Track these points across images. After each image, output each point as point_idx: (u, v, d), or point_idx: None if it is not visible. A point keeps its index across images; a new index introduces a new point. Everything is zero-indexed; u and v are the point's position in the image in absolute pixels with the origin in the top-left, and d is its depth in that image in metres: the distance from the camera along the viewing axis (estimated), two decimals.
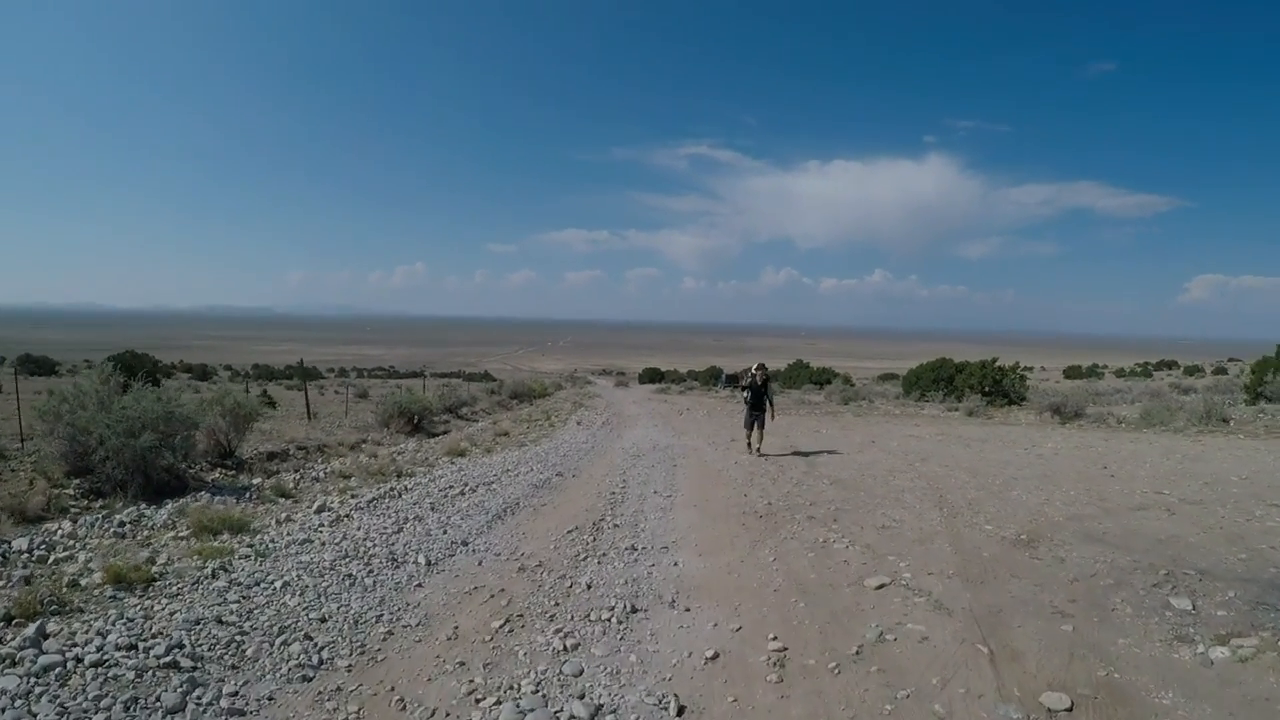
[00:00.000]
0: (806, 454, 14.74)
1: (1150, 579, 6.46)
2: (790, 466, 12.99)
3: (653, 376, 67.35)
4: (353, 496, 10.41)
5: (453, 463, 14.14)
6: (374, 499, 10.24)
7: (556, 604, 6.37)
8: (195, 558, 7.20)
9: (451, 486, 11.27)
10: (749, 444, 15.00)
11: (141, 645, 5.19)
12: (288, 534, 8.29)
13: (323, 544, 7.93)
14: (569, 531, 8.60)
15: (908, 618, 5.83)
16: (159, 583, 6.49)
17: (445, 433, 20.42)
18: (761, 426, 14.87)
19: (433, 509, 9.69)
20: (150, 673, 4.88)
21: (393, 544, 8.01)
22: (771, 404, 15.02)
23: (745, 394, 15.12)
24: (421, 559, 7.50)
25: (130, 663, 4.93)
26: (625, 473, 12.67)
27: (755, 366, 15.47)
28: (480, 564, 7.49)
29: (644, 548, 8.01)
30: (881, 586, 6.52)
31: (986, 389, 28.23)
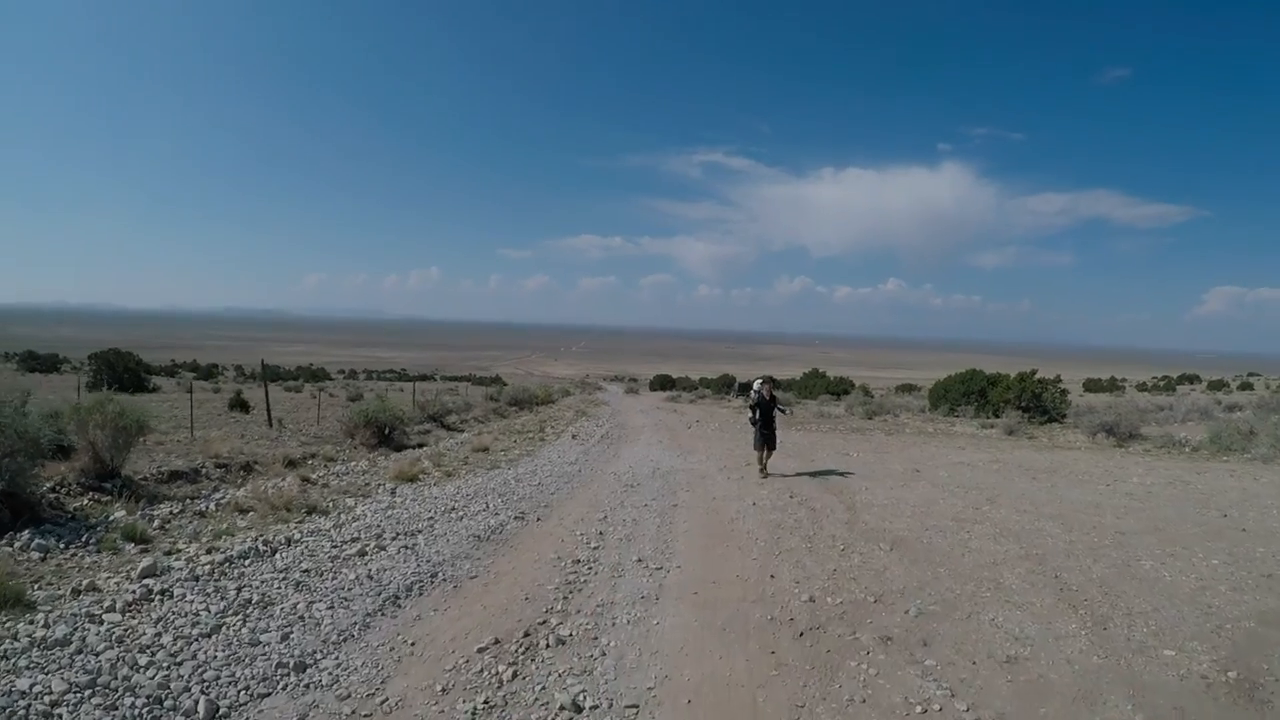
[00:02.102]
0: (840, 486, 11.74)
1: None
2: (826, 511, 9.87)
3: (663, 384, 65.48)
4: (212, 551, 7.45)
5: (393, 493, 11.26)
6: (241, 553, 7.30)
7: None
8: None
9: (359, 536, 8.30)
10: (762, 469, 13.23)
11: None
12: (57, 620, 5.39)
13: (76, 652, 5.01)
14: (481, 650, 5.36)
15: None
16: None
17: (419, 445, 17.84)
18: (772, 447, 13.37)
19: (299, 586, 6.60)
20: None
21: (183, 660, 5.00)
22: (783, 413, 13.98)
23: (753, 413, 13.46)
24: (201, 708, 4.43)
25: None
26: (608, 515, 9.65)
27: (760, 381, 14.00)
28: None
29: (595, 708, 4.62)
30: None
31: (1025, 404, 25.22)
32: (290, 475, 12.30)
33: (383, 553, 7.66)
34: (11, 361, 56.58)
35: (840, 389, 46.47)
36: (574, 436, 20.29)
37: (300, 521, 9.13)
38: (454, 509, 10.00)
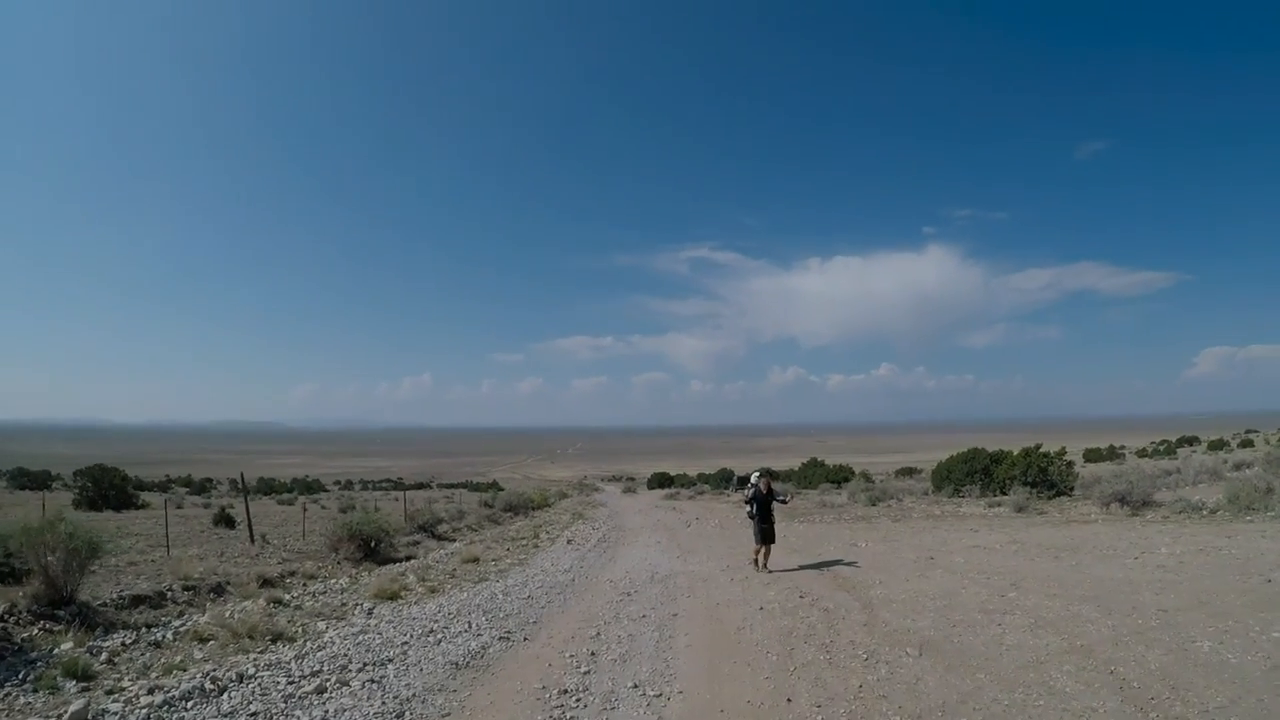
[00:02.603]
0: (852, 581, 10.89)
1: None
2: (841, 612, 8.99)
3: (661, 481, 64.39)
4: (154, 690, 6.53)
5: (370, 613, 10.35)
6: (186, 692, 6.43)
7: None
8: None
9: (321, 669, 7.38)
10: (762, 565, 12.84)
11: None
12: None
13: None
14: None
15: None
16: None
17: (407, 558, 16.87)
18: (771, 540, 12.98)
19: None
20: None
21: None
22: (783, 503, 13.59)
23: (750, 507, 13.08)
24: None
25: None
26: (601, 631, 8.74)
27: (757, 475, 13.72)
28: None
29: None
30: None
31: (1031, 479, 24.41)
32: (262, 597, 11.40)
33: (345, 688, 6.75)
34: (2, 479, 55.03)
35: (840, 476, 45.52)
36: (569, 542, 19.36)
37: (262, 651, 8.23)
38: (433, 630, 9.10)
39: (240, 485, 18.74)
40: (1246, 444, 58.24)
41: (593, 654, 7.81)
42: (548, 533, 22.33)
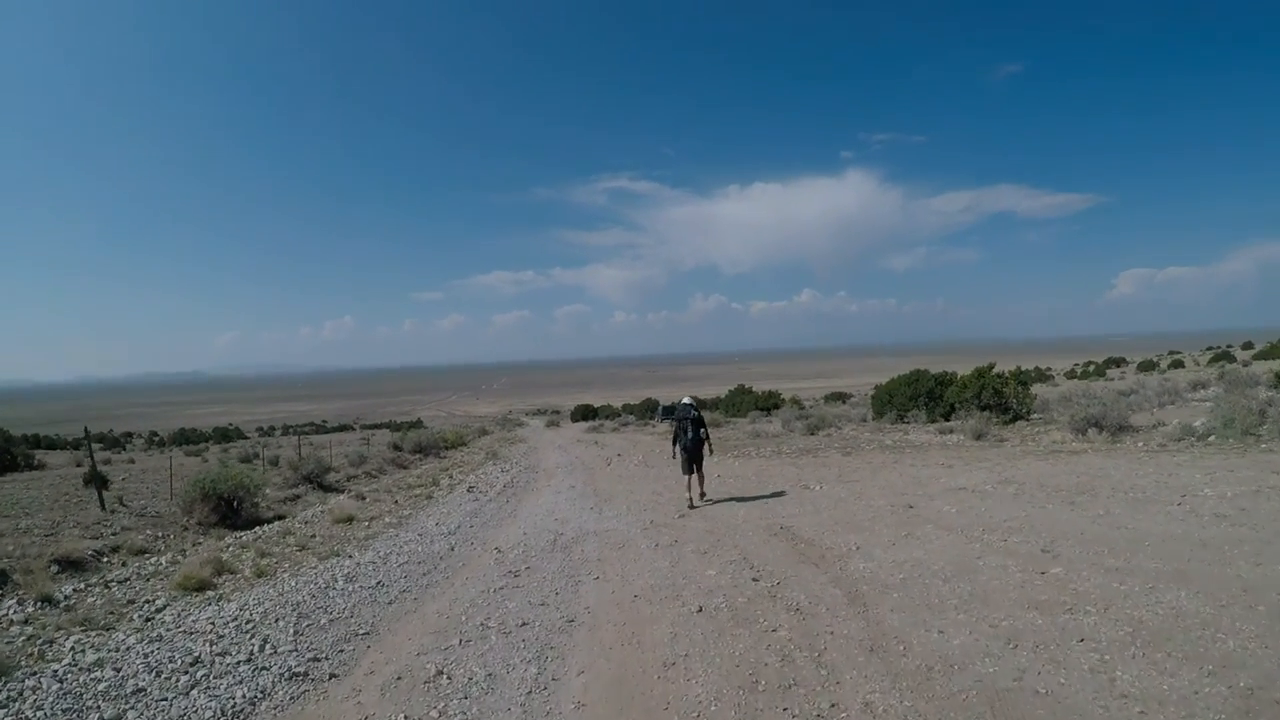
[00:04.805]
0: (820, 547, 7.98)
1: None
2: (819, 611, 5.98)
3: (585, 414, 61.94)
4: None
5: (149, 620, 7.09)
6: None
7: None
8: None
9: None
10: (690, 499, 11.60)
11: None
12: None
13: None
14: None
15: None
16: None
17: (277, 518, 13.96)
18: (700, 468, 11.84)
19: None
20: None
21: None
22: (708, 440, 11.96)
23: (683, 441, 11.74)
24: None
25: None
26: (452, 659, 5.54)
27: (688, 399, 12.79)
28: None
29: None
30: None
31: (986, 403, 22.30)
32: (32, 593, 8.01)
33: None
34: None
35: (770, 403, 43.52)
36: (470, 489, 16.30)
37: None
38: (200, 660, 5.81)
39: (85, 439, 14.94)
40: (1177, 365, 58.62)
41: (436, 695, 4.68)
42: (451, 477, 19.42)
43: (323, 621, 6.72)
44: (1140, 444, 14.04)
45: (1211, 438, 13.67)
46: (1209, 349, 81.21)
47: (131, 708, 5.01)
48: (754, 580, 6.88)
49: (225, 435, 69.20)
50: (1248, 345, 75.37)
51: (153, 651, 6.04)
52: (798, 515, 9.96)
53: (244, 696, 5.08)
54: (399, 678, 5.22)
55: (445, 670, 5.27)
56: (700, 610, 6.13)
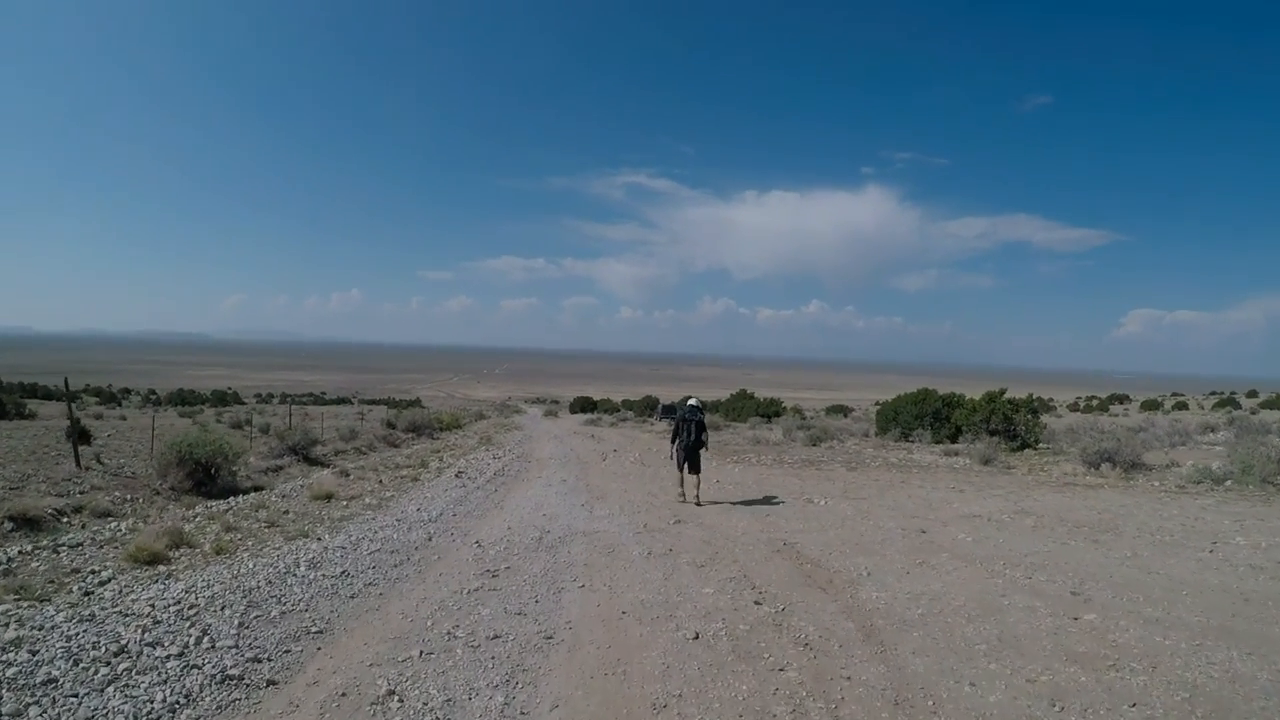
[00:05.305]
0: (829, 570, 7.27)
1: None
2: (833, 649, 5.28)
3: (584, 406, 61.45)
4: None
5: (87, 595, 6.41)
6: None
7: None
8: None
9: None
10: (682, 493, 11.77)
11: None
12: None
13: None
14: None
15: None
16: None
17: (254, 489, 13.41)
18: (696, 469, 11.66)
19: None
20: None
21: None
22: (706, 445, 11.90)
23: (682, 439, 11.70)
24: None
25: None
26: (408, 675, 4.87)
27: (694, 401, 12.59)
28: None
29: None
30: None
31: (994, 428, 21.62)
32: None
33: None
34: None
35: (771, 411, 43.00)
36: (459, 474, 15.63)
37: None
38: (126, 649, 5.15)
39: (65, 391, 14.27)
40: (1180, 406, 57.87)
41: None
42: (441, 460, 18.82)
43: (274, 613, 6.05)
44: (1156, 483, 13.40)
45: (1229, 482, 13.01)
46: (1213, 394, 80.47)
47: (36, 702, 4.35)
48: (756, 604, 6.18)
49: (222, 399, 69.37)
50: (1252, 394, 74.55)
51: (78, 634, 5.38)
52: (802, 531, 9.28)
53: (163, 701, 4.42)
54: (343, 694, 4.53)
55: (398, 690, 4.57)
56: (697, 638, 5.41)
